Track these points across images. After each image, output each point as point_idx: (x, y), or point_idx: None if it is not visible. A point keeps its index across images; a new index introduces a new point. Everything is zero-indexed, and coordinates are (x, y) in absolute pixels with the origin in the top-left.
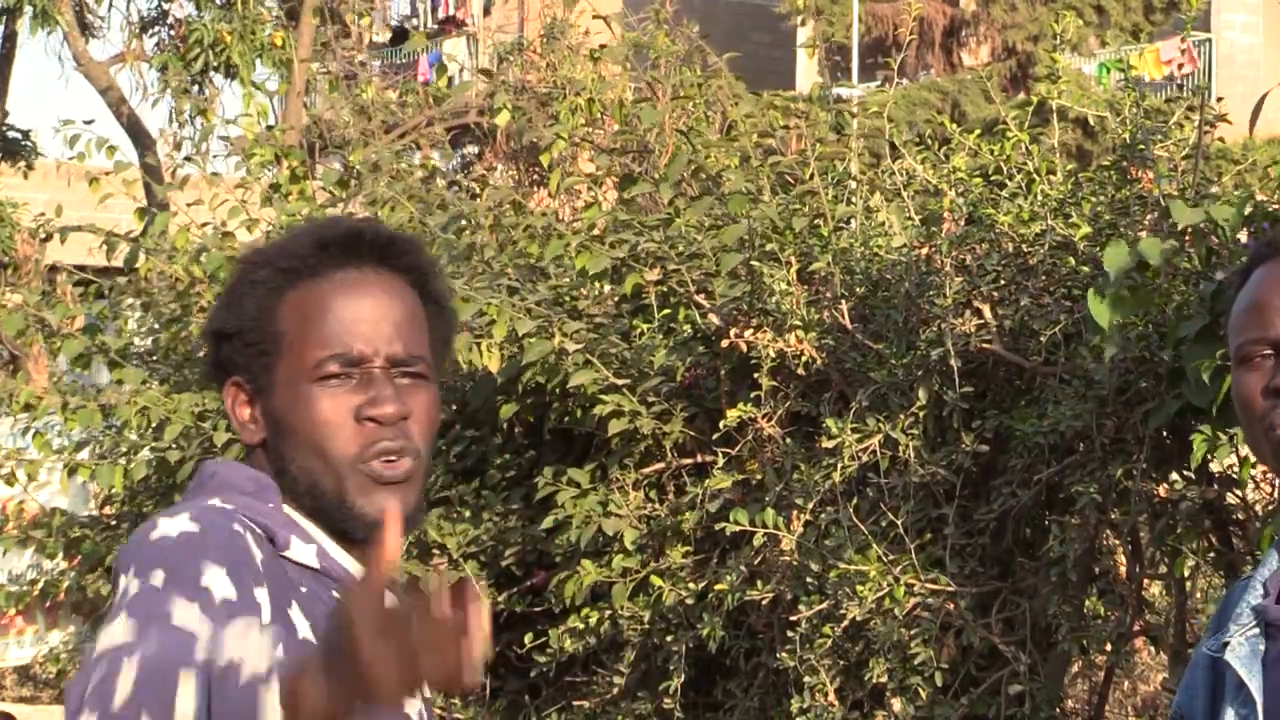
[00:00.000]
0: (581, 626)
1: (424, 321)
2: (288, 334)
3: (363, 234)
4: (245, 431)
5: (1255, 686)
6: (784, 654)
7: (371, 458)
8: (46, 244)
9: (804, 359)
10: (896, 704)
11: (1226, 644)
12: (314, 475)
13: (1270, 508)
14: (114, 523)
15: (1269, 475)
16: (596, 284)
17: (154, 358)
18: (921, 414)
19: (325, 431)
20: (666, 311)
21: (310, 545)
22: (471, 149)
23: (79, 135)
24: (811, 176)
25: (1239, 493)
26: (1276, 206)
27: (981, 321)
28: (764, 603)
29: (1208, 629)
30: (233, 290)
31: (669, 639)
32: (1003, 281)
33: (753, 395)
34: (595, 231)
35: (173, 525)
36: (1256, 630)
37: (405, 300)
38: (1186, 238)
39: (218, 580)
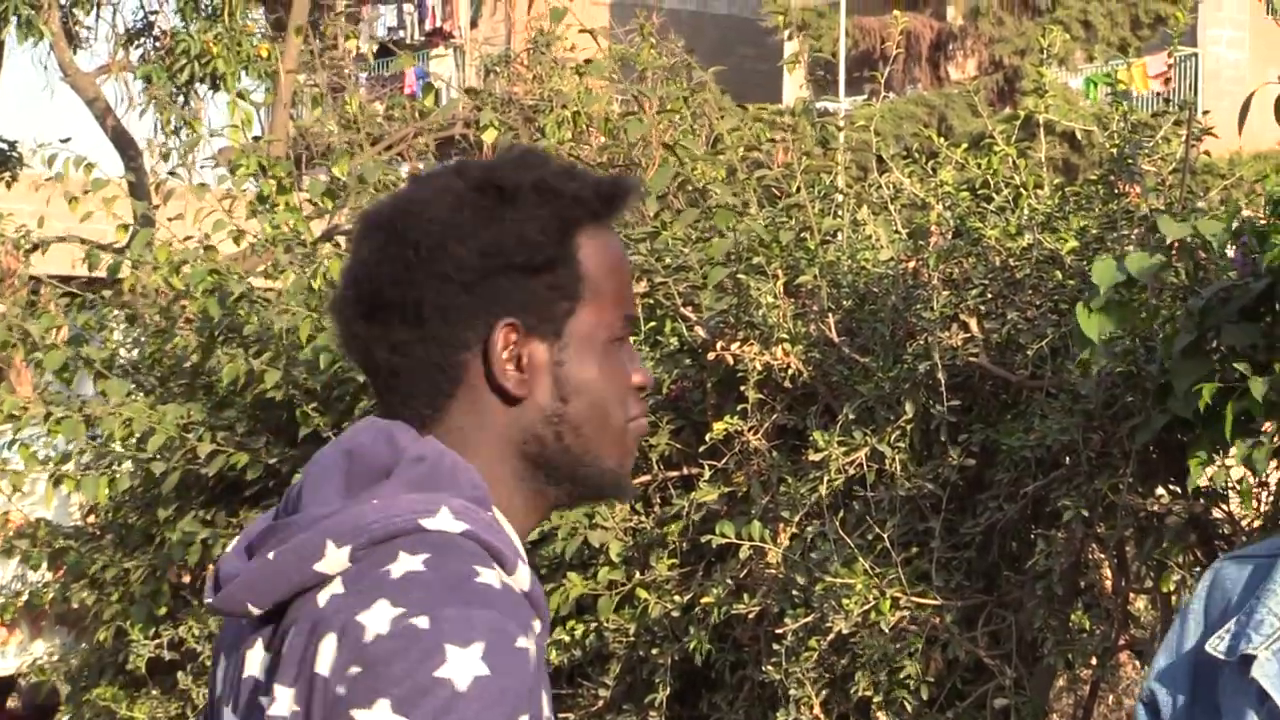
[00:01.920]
0: (567, 639)
1: None
2: (589, 282)
3: (630, 194)
4: (517, 384)
5: None
6: (769, 667)
7: (637, 429)
8: (31, 255)
9: (790, 372)
10: (882, 717)
11: (1250, 657)
12: (590, 443)
13: (1257, 523)
14: (98, 533)
15: (1255, 490)
16: None
17: (139, 370)
18: (908, 427)
19: (618, 394)
20: (653, 324)
21: (524, 566)
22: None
23: (56, 155)
24: (798, 190)
25: (1225, 507)
26: (1264, 222)
27: (968, 335)
28: (750, 616)
29: (1186, 618)
30: (534, 203)
31: (654, 652)
32: (990, 295)
33: (739, 408)
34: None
35: (466, 665)
36: None
37: None
38: (1174, 252)
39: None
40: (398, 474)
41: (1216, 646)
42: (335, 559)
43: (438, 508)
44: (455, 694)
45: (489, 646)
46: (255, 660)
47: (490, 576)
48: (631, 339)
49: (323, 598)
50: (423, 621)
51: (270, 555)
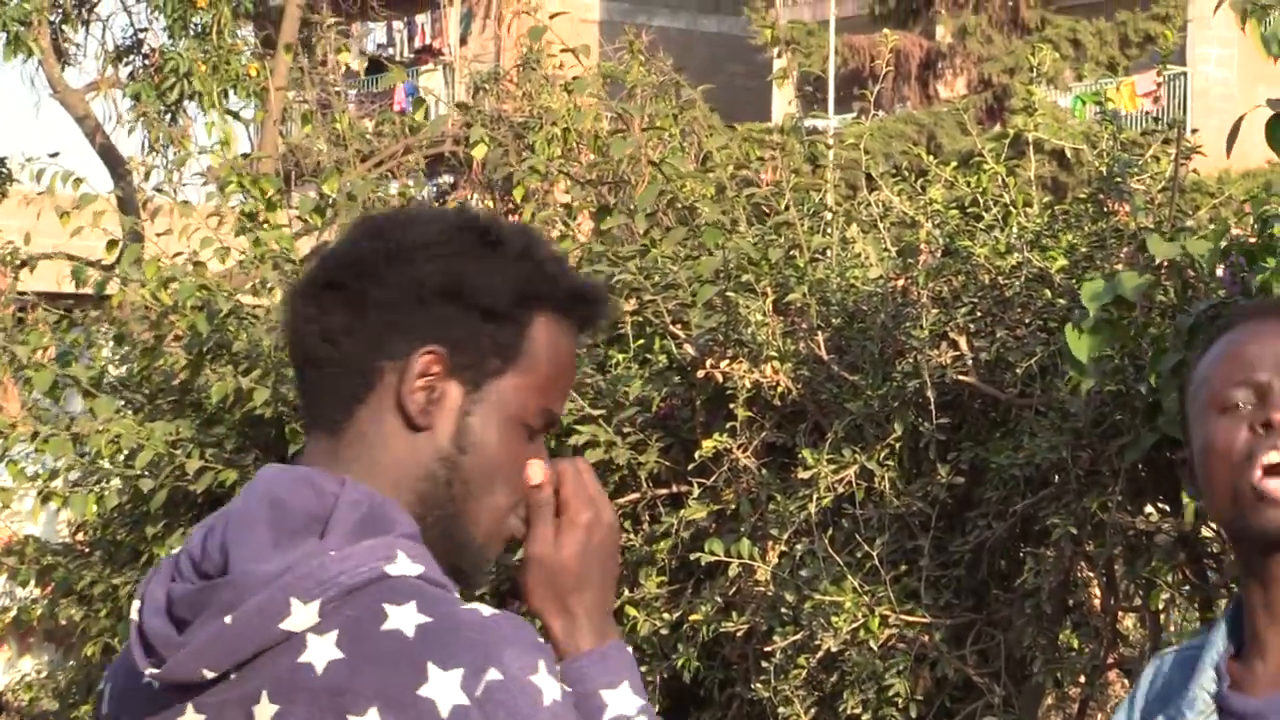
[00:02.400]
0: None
1: None
2: (528, 357)
3: (600, 315)
4: (419, 411)
5: None
6: (758, 685)
7: (512, 525)
8: (19, 272)
9: (780, 390)
10: None
11: None
12: (469, 505)
13: None
14: (86, 550)
15: None
16: None
17: (127, 387)
18: (897, 445)
19: (509, 479)
20: (642, 342)
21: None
22: (446, 178)
23: (43, 170)
24: (787, 208)
25: (1214, 526)
26: (1253, 241)
27: (958, 353)
28: (739, 633)
29: (1145, 701)
30: (479, 258)
31: (644, 669)
32: (979, 313)
33: (728, 426)
34: (570, 263)
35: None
36: (1213, 718)
37: None
38: (1163, 271)
39: None
40: (338, 521)
41: None
42: (302, 615)
43: (395, 553)
44: (559, 707)
45: (544, 659)
46: None
47: (468, 607)
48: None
49: (314, 662)
50: (494, 674)
51: (227, 620)
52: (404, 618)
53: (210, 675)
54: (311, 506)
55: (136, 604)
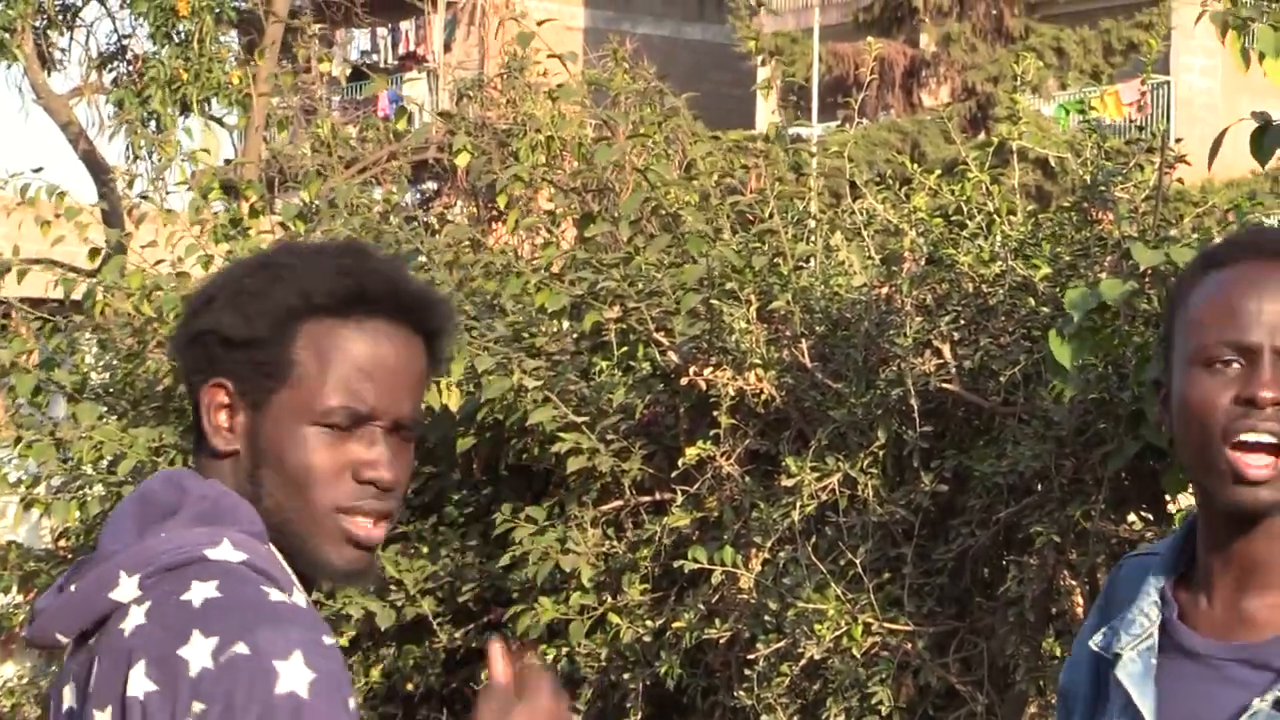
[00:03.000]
0: (539, 664)
1: (425, 382)
2: (299, 367)
3: (399, 291)
4: (219, 438)
5: (1148, 710)
6: (741, 692)
7: (355, 514)
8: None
9: (763, 397)
10: None
11: (1118, 655)
12: (288, 514)
13: None
14: (69, 556)
15: None
16: (555, 321)
17: (110, 393)
18: (880, 453)
19: (316, 477)
20: (625, 349)
21: (303, 595)
22: (431, 185)
23: (28, 185)
24: (771, 215)
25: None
26: None
27: (941, 361)
28: (722, 641)
29: (1093, 613)
30: (241, 293)
31: (626, 676)
32: (963, 321)
33: (712, 433)
34: (554, 270)
35: (293, 671)
36: (1150, 643)
37: (418, 360)
38: (1146, 279)
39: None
40: (183, 511)
41: (1097, 641)
42: (127, 587)
43: (220, 539)
44: (300, 702)
45: (306, 651)
46: (69, 693)
47: (278, 595)
48: (376, 431)
49: (127, 626)
50: (242, 648)
51: (72, 588)
52: (200, 592)
53: (63, 639)
54: (172, 500)
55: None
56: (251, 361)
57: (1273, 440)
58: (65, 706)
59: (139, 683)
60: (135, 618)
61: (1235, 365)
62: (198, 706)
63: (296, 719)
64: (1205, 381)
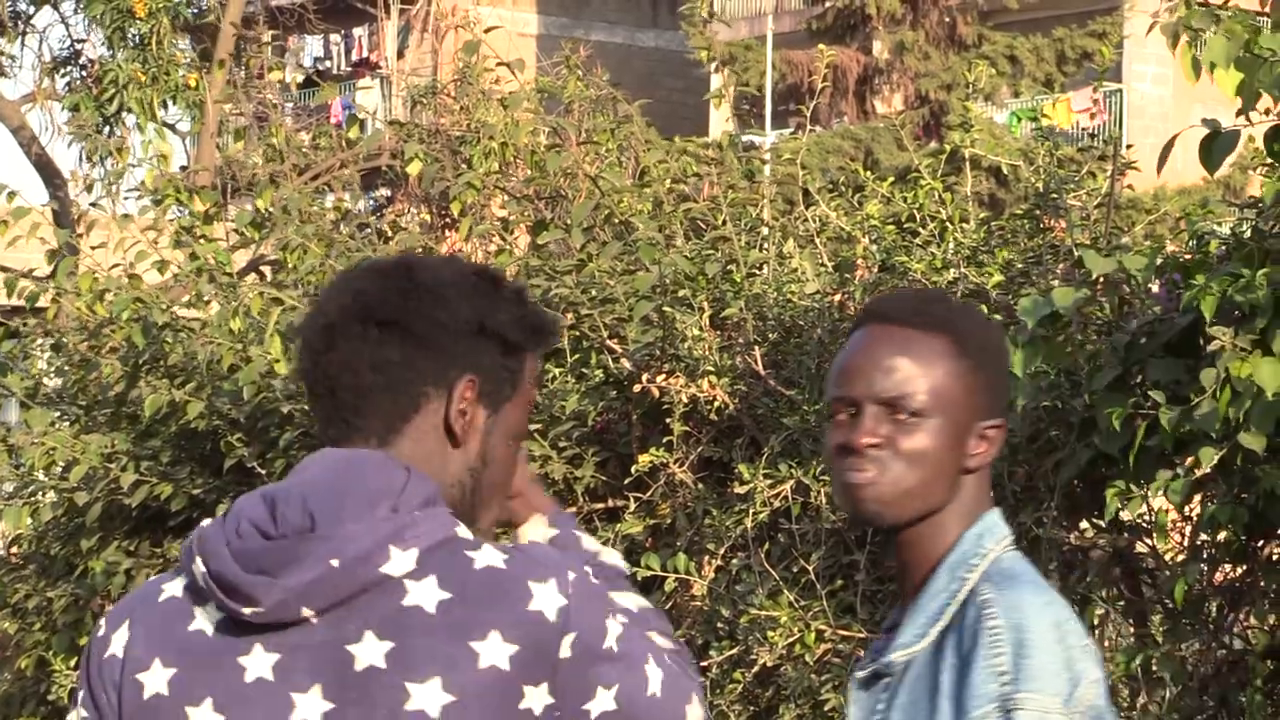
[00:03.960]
0: None
1: None
2: (522, 386)
3: (556, 331)
4: (460, 428)
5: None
6: None
7: (503, 509)
8: None
9: (716, 405)
10: None
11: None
12: (485, 509)
13: (1181, 557)
14: (21, 563)
15: (1178, 524)
16: None
17: (63, 399)
18: None
19: (506, 483)
20: (578, 356)
21: None
22: (384, 191)
23: None
24: (724, 223)
25: (1149, 541)
26: (1188, 257)
27: None
28: None
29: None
30: (515, 301)
31: None
32: None
33: (665, 440)
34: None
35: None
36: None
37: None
38: (1098, 287)
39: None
40: (409, 495)
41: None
42: (402, 561)
43: (454, 521)
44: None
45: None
46: (263, 662)
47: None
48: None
49: (425, 604)
50: (571, 574)
51: (334, 563)
52: (489, 557)
53: (309, 614)
54: (385, 484)
55: (198, 559)
56: (505, 366)
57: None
58: (254, 677)
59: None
60: (428, 593)
61: (844, 419)
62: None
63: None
64: (831, 431)
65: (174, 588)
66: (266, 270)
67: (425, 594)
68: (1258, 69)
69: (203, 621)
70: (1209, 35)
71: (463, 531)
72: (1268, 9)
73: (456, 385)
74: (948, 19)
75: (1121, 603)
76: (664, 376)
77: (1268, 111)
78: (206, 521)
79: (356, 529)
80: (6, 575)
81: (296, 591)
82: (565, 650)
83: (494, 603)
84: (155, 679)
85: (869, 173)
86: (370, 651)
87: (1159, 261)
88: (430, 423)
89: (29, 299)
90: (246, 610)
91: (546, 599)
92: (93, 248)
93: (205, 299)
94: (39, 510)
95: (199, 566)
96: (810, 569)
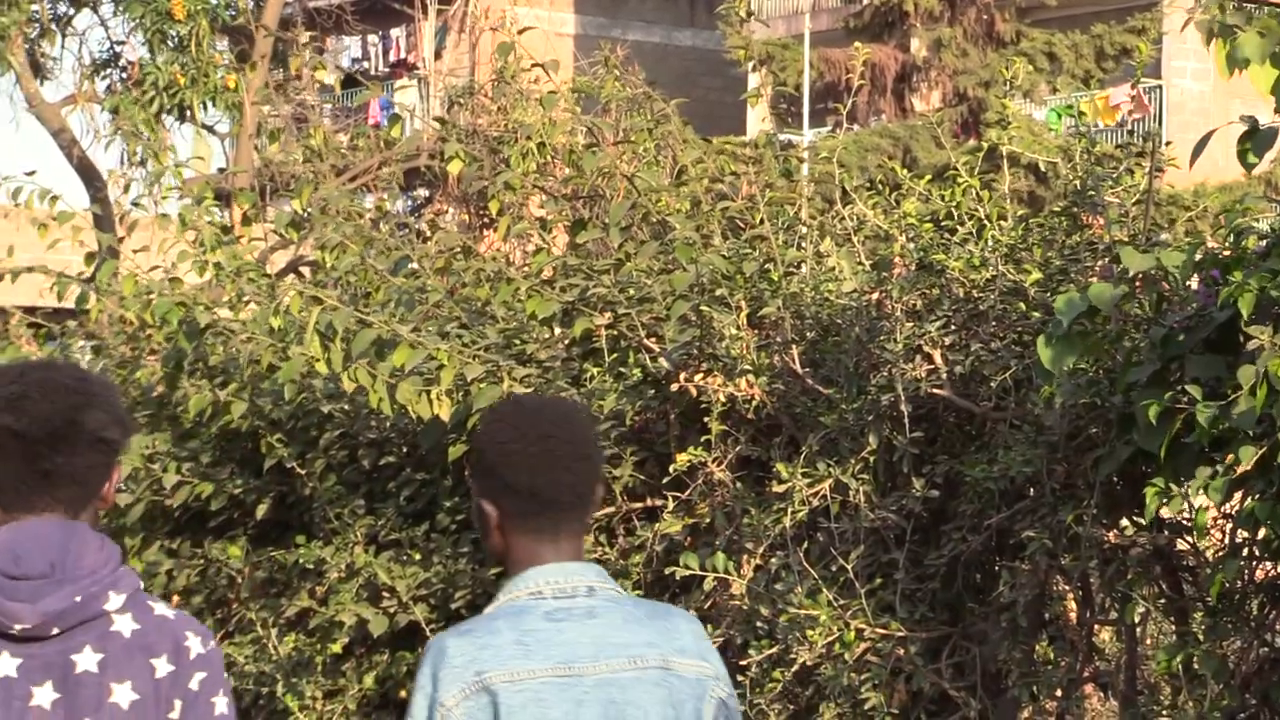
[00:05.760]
0: None
1: None
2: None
3: None
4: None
5: None
6: None
7: None
8: None
9: (754, 403)
10: None
11: None
12: None
13: (1220, 554)
14: None
15: (1219, 521)
16: (546, 328)
17: None
18: (872, 459)
19: None
20: (616, 355)
21: None
22: (422, 192)
23: (20, 188)
24: (761, 222)
25: (1189, 539)
26: (1227, 253)
27: (932, 367)
28: (714, 647)
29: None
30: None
31: None
32: (953, 327)
33: (703, 439)
34: (545, 276)
35: None
36: None
37: None
38: (1137, 284)
39: None
40: (112, 555)
41: None
42: (114, 601)
43: (139, 580)
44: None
45: None
46: (9, 664)
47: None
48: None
49: (124, 630)
50: (210, 640)
51: (77, 599)
52: (162, 609)
53: (56, 632)
54: (100, 545)
55: None
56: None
57: None
58: (4, 674)
59: (163, 667)
60: (125, 624)
61: None
62: (200, 674)
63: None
64: None
65: None
66: (305, 271)
67: (125, 624)
68: None
69: None
70: (1243, 32)
71: (141, 586)
72: None
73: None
74: (985, 16)
75: (1162, 601)
76: (702, 375)
77: None
78: None
79: (90, 577)
80: None
81: (49, 616)
82: (194, 684)
83: (163, 636)
84: None
85: (907, 171)
86: (87, 660)
87: (1197, 258)
88: (98, 501)
89: (77, 302)
90: (17, 627)
91: (194, 642)
92: (134, 251)
93: (244, 299)
94: None
95: None
96: (849, 567)
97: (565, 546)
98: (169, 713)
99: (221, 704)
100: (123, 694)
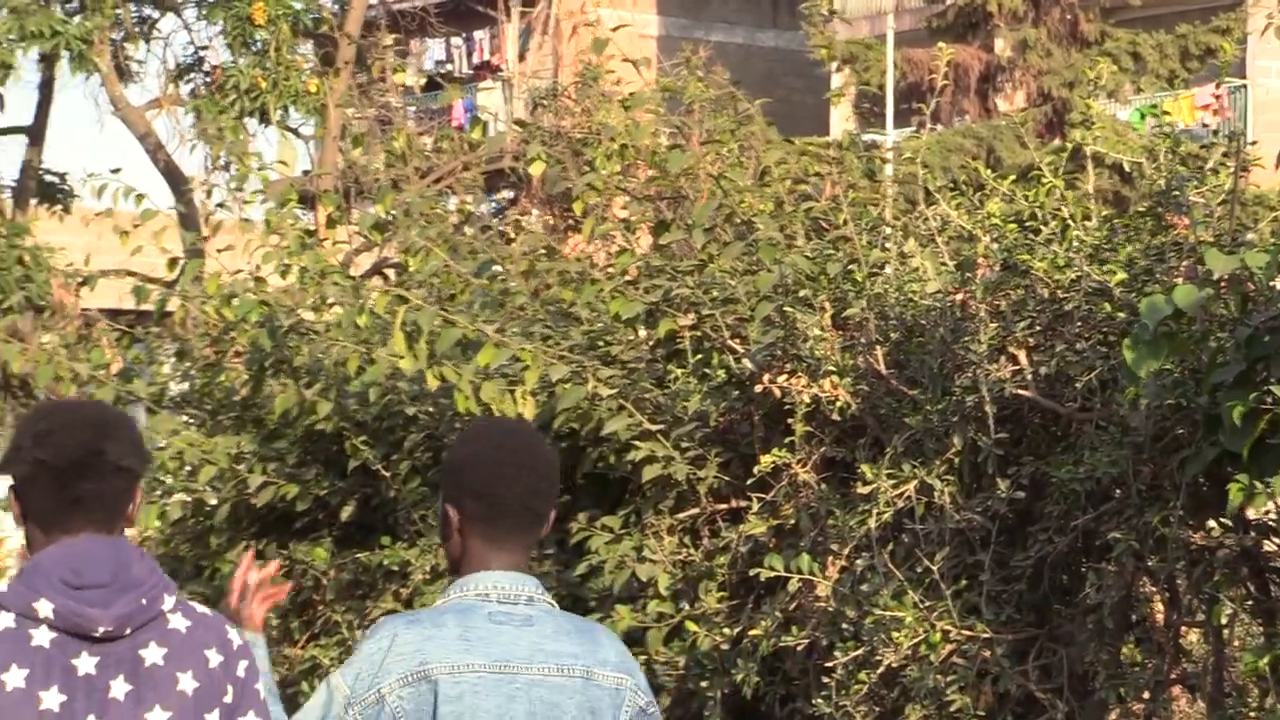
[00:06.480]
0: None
1: None
2: None
3: None
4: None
5: None
6: (819, 700)
7: None
8: (82, 289)
9: (839, 404)
10: None
11: None
12: None
13: None
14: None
15: None
16: (630, 329)
17: (189, 403)
18: (957, 460)
19: None
20: (700, 356)
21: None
22: (506, 193)
23: (106, 185)
24: (845, 222)
25: (1276, 540)
26: None
27: (1017, 367)
28: (799, 648)
29: None
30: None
31: (704, 685)
32: (1038, 327)
33: (787, 441)
34: (629, 277)
35: None
36: None
37: None
38: (1222, 285)
39: None
40: (155, 564)
41: None
42: (169, 603)
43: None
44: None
45: None
46: (88, 663)
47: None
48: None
49: (180, 627)
50: (246, 634)
51: (143, 601)
52: (203, 609)
53: (128, 631)
54: (144, 557)
55: (49, 605)
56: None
57: None
58: (84, 673)
59: (215, 659)
60: (180, 623)
61: None
62: (243, 663)
63: None
64: None
65: (5, 620)
66: (390, 273)
67: (179, 622)
68: None
69: (41, 639)
70: None
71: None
72: None
73: (138, 495)
74: (1069, 16)
75: (1249, 602)
76: (786, 377)
77: None
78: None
79: (146, 582)
80: None
81: (120, 618)
82: (240, 671)
83: (210, 631)
84: (12, 677)
85: (990, 171)
86: (153, 654)
87: None
88: (124, 520)
89: (157, 304)
90: (100, 629)
91: (234, 634)
92: (219, 250)
93: (329, 302)
94: (167, 511)
95: (44, 606)
96: (935, 569)
97: (512, 556)
98: (224, 697)
99: (262, 689)
100: (187, 682)
